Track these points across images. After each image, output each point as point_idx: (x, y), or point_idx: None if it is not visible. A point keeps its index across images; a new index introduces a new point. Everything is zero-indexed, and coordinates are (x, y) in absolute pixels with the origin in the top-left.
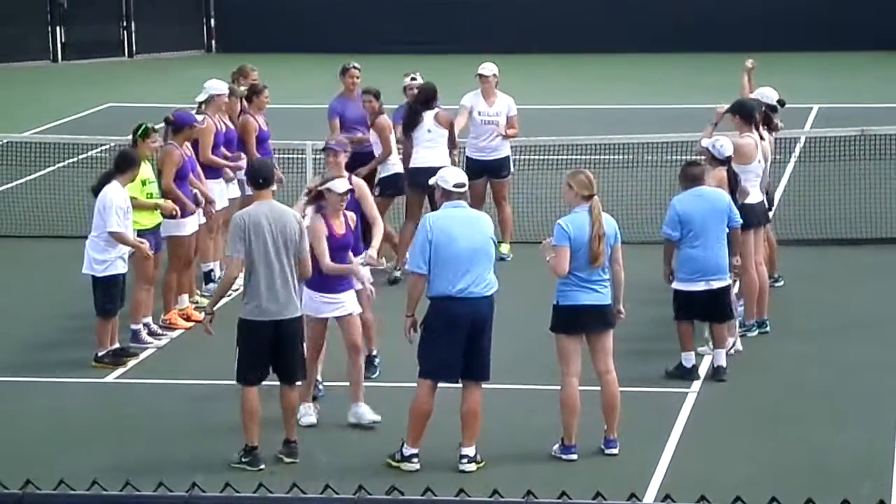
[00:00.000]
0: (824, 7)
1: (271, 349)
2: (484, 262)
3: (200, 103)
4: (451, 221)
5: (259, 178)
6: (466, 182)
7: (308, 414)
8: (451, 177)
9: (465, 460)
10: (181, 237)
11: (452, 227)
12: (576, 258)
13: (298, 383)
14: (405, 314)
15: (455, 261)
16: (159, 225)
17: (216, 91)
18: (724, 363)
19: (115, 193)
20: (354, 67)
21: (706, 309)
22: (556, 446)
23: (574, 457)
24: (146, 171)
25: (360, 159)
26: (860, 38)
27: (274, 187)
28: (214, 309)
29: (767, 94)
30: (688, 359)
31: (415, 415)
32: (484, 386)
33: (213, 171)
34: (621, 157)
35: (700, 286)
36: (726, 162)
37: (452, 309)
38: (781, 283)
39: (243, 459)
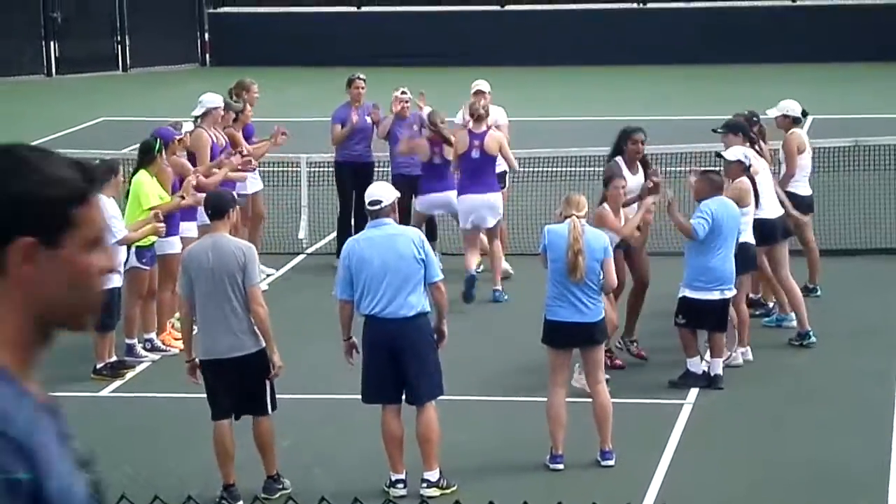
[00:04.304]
0: (819, 19)
1: (230, 386)
2: (399, 283)
3: (197, 117)
4: (367, 244)
5: (208, 210)
6: (383, 198)
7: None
8: (367, 194)
9: (424, 485)
10: (174, 255)
11: (366, 250)
12: (556, 269)
13: (269, 413)
14: (342, 339)
15: (371, 283)
16: (154, 242)
17: (212, 104)
18: (720, 372)
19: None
20: (359, 79)
21: (713, 317)
22: (548, 457)
23: (560, 466)
24: (158, 187)
25: (361, 171)
26: (854, 49)
27: (233, 218)
28: (193, 355)
29: (792, 107)
30: (694, 364)
31: (384, 440)
32: (481, 398)
33: None
34: None
35: (715, 295)
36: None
37: (372, 328)
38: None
39: (223, 497)
